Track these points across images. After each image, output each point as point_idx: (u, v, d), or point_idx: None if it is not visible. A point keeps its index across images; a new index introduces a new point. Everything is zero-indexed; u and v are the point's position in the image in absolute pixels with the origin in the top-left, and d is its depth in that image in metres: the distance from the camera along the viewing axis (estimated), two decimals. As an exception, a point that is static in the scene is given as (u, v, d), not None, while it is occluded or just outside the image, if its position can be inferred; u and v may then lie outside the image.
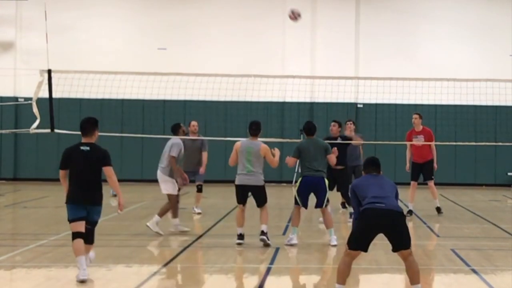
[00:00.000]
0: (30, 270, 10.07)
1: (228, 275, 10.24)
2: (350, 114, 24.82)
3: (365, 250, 8.37)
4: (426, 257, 11.60)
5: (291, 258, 11.77)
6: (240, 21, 26.84)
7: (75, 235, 9.46)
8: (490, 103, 21.86)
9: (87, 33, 26.74)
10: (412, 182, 17.15)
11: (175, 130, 14.20)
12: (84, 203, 9.54)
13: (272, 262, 11.17)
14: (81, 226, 9.48)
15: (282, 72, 24.93)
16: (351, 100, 25.28)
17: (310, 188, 12.49)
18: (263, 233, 12.27)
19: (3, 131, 23.69)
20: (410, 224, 15.41)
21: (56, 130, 16.44)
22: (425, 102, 23.55)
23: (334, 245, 12.35)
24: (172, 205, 13.56)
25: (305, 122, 13.22)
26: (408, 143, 17.24)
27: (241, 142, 12.48)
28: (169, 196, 13.59)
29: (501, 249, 12.65)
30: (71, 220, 9.53)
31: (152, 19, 27.01)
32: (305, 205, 12.54)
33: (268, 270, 10.47)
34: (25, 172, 26.68)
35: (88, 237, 9.64)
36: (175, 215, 13.70)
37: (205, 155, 16.50)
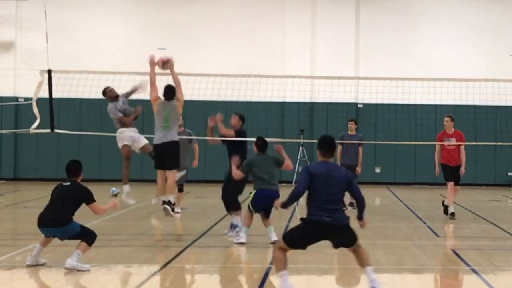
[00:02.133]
0: (30, 270, 10.06)
1: (228, 275, 10.22)
2: (350, 114, 24.82)
3: (304, 249, 8.67)
4: (426, 257, 11.58)
5: (291, 258, 11.71)
6: (240, 21, 26.84)
7: None
8: (490, 103, 21.85)
9: (87, 33, 26.75)
10: (449, 184, 16.57)
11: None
12: (44, 226, 10.02)
13: (272, 262, 11.16)
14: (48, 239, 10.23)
15: (282, 72, 24.93)
16: (351, 100, 25.29)
17: (265, 201, 12.43)
18: (165, 202, 12.68)
19: (3, 131, 23.69)
20: (411, 225, 15.43)
21: (56, 130, 16.45)
22: (425, 102, 23.58)
23: (273, 242, 12.26)
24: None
25: (258, 138, 12.77)
26: (437, 143, 16.81)
27: (158, 101, 13.17)
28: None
29: (501, 249, 12.64)
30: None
31: (152, 19, 27.02)
32: (258, 212, 12.62)
33: (268, 270, 10.46)
34: (25, 172, 26.70)
35: (82, 238, 10.03)
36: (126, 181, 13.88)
37: (196, 147, 16.86)
